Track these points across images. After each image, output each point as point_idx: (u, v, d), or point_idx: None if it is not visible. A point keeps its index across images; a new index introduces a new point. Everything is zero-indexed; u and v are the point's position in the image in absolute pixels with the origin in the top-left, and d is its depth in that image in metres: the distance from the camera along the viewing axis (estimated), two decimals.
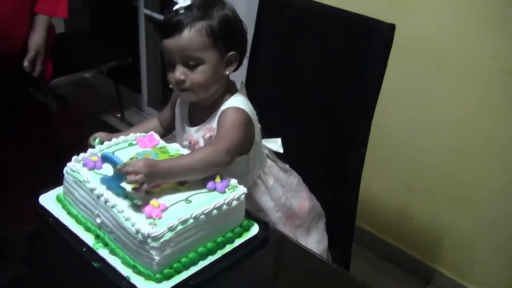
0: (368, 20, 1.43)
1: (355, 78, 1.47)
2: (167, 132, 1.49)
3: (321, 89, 1.54)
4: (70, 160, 1.17)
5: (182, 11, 1.23)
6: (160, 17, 3.09)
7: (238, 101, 1.31)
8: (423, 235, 2.27)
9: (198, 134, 1.34)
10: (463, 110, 1.98)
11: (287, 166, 1.49)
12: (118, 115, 3.39)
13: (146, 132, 1.33)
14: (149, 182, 1.06)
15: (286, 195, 1.44)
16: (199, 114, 1.36)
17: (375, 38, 1.41)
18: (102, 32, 3.13)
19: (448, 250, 2.22)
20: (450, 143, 2.06)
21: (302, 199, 1.49)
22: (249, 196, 1.33)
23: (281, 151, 1.44)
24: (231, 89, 1.35)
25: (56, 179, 1.21)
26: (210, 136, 1.29)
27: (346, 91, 1.50)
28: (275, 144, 1.44)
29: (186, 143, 1.34)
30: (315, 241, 1.51)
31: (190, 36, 1.23)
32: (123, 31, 3.06)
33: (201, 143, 1.32)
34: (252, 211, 1.27)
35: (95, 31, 3.21)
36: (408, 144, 2.19)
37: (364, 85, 1.45)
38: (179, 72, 1.25)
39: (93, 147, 1.25)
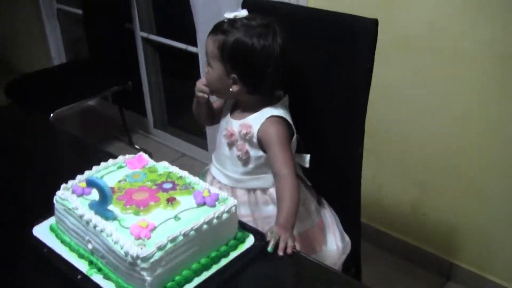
0: (350, 17, 1.41)
1: (344, 77, 1.44)
2: (216, 118, 1.59)
3: (312, 91, 1.52)
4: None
5: (226, 21, 1.38)
6: (157, 38, 3.11)
7: (277, 110, 1.42)
8: (438, 230, 2.23)
9: (236, 128, 1.44)
10: (465, 101, 1.94)
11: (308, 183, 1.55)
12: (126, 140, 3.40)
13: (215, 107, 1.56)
14: (292, 237, 1.17)
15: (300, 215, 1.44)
16: (241, 111, 1.48)
17: (359, 35, 1.38)
18: (102, 59, 3.14)
19: (465, 243, 2.18)
20: (455, 135, 2.02)
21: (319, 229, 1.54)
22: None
23: (307, 165, 1.50)
24: (271, 99, 1.45)
25: (49, 210, 1.21)
26: (246, 133, 1.41)
27: (337, 91, 1.48)
28: (303, 159, 1.50)
29: (225, 132, 1.47)
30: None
31: (209, 41, 1.39)
32: (122, 56, 3.06)
33: (236, 135, 1.43)
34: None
35: (95, 59, 3.22)
36: (414, 141, 2.15)
37: (354, 83, 1.42)
38: (205, 64, 1.44)
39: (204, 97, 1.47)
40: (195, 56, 2.84)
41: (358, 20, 1.39)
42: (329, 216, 1.57)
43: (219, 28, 1.38)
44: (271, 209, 1.46)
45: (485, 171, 1.99)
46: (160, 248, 0.99)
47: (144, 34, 3.12)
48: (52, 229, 1.19)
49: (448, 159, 2.07)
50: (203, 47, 2.42)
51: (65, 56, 3.90)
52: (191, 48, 2.87)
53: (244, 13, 1.38)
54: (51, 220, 1.21)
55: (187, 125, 3.34)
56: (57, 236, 1.17)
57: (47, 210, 1.22)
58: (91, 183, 1.08)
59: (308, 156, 1.49)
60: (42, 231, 1.20)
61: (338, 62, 1.45)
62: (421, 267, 2.31)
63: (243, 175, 1.46)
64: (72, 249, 1.13)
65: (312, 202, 1.53)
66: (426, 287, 2.24)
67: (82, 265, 1.10)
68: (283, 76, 1.40)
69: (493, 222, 2.05)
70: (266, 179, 1.46)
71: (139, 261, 0.97)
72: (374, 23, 1.36)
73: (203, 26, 2.37)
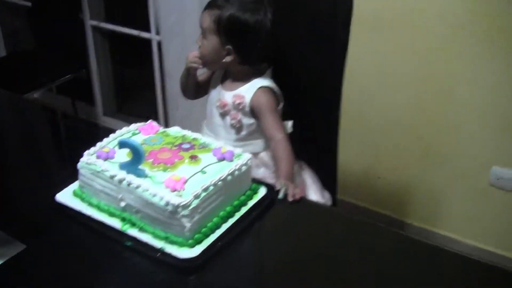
0: None
1: (323, 48, 1.60)
2: (200, 92, 1.71)
3: (294, 62, 1.67)
4: (72, 158, 1.27)
5: None
6: (107, 26, 3.14)
7: (266, 81, 1.56)
8: (392, 193, 2.42)
9: (229, 99, 1.57)
10: (422, 66, 2.13)
11: None
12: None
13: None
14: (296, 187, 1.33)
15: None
16: (231, 82, 1.62)
17: (337, 7, 1.54)
18: (50, 49, 3.13)
19: (417, 203, 2.38)
20: (413, 101, 2.20)
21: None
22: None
23: (289, 131, 1.62)
24: (258, 71, 1.58)
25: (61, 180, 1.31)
26: (239, 103, 1.55)
27: (317, 62, 1.63)
28: (285, 125, 1.61)
29: (218, 103, 1.60)
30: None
31: (205, 16, 1.52)
32: (72, 45, 3.07)
33: (229, 106, 1.57)
34: None
35: (42, 49, 3.21)
36: (371, 106, 2.31)
37: (332, 53, 1.58)
38: (198, 37, 1.55)
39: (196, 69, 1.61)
40: (147, 41, 2.91)
41: None
42: (309, 176, 1.73)
43: (214, 3, 1.51)
44: (262, 171, 1.60)
45: (442, 133, 2.18)
46: (196, 197, 1.11)
47: (94, 22, 3.13)
48: (76, 194, 1.28)
49: (406, 123, 2.25)
50: (166, 32, 2.54)
51: (5, 49, 3.83)
52: (144, 34, 2.93)
53: None
54: (73, 187, 1.30)
55: (137, 111, 3.39)
56: (82, 200, 1.26)
57: (62, 181, 1.32)
58: (123, 144, 1.18)
59: (290, 122, 1.63)
60: (66, 197, 1.28)
61: (317, 33, 1.60)
62: None
63: (236, 141, 1.59)
64: (101, 209, 1.22)
65: (295, 164, 1.68)
66: None
67: (114, 223, 1.19)
68: (270, 48, 1.54)
69: (446, 182, 2.25)
70: (257, 144, 1.61)
71: (179, 209, 1.09)
72: None
73: (166, 11, 2.47)
